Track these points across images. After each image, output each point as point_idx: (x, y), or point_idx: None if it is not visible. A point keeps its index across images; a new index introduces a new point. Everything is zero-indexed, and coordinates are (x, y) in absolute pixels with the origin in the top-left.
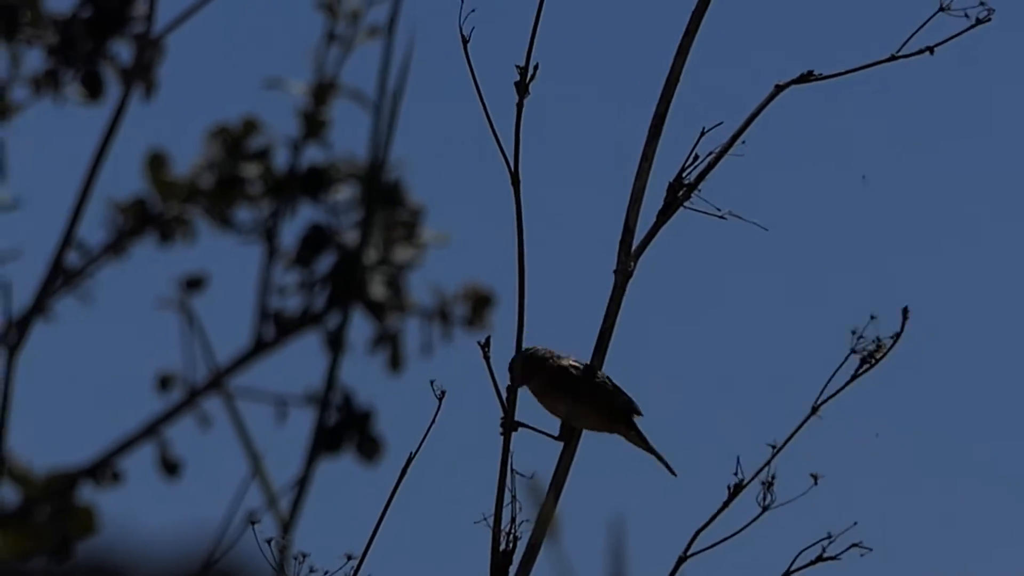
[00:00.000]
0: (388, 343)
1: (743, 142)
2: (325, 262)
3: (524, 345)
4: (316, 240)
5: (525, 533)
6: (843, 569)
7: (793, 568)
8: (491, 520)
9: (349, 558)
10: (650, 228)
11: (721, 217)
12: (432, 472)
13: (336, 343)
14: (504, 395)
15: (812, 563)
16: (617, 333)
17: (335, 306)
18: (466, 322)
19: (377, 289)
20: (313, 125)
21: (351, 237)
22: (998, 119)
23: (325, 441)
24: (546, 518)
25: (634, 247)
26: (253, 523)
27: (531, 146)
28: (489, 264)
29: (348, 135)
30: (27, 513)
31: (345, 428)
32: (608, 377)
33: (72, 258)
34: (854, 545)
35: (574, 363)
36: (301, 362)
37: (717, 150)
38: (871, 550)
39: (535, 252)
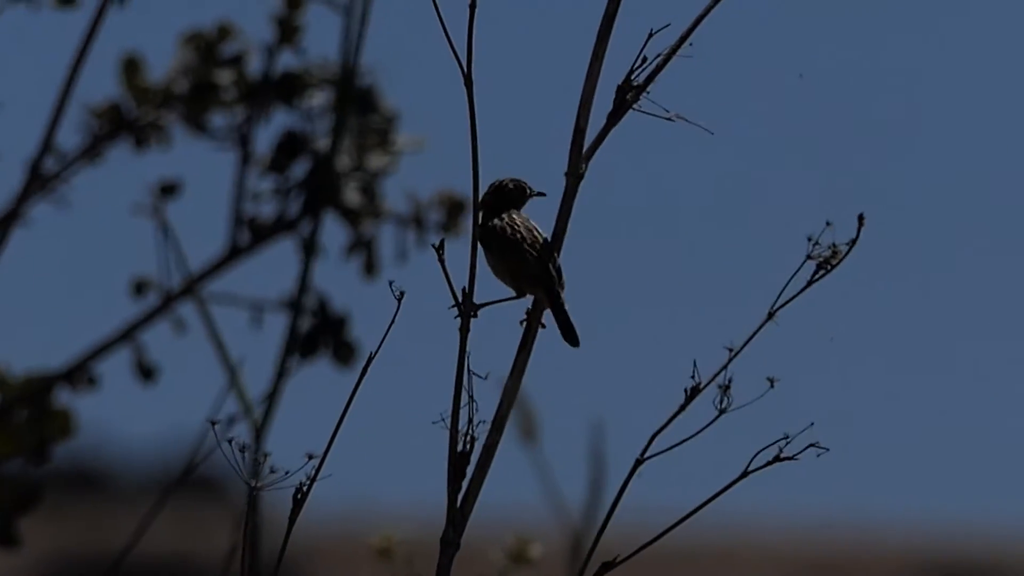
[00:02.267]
0: (363, 249)
1: (691, 44)
2: (299, 168)
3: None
4: (290, 146)
5: (482, 434)
6: (801, 469)
7: (751, 468)
8: (449, 421)
9: (310, 457)
10: (600, 130)
11: (669, 119)
12: (399, 374)
13: (310, 249)
14: (460, 293)
15: (769, 463)
16: (570, 234)
17: (309, 212)
18: (441, 228)
19: (351, 195)
20: (287, 30)
21: (325, 143)
22: (946, 16)
23: (300, 346)
24: (502, 420)
25: (585, 149)
26: (214, 424)
27: (485, 48)
28: (464, 170)
29: (322, 40)
30: (4, 416)
31: (320, 333)
32: (535, 237)
33: (47, 163)
34: (811, 445)
35: (517, 226)
36: (276, 268)
37: (665, 52)
38: (828, 450)
39: (491, 154)
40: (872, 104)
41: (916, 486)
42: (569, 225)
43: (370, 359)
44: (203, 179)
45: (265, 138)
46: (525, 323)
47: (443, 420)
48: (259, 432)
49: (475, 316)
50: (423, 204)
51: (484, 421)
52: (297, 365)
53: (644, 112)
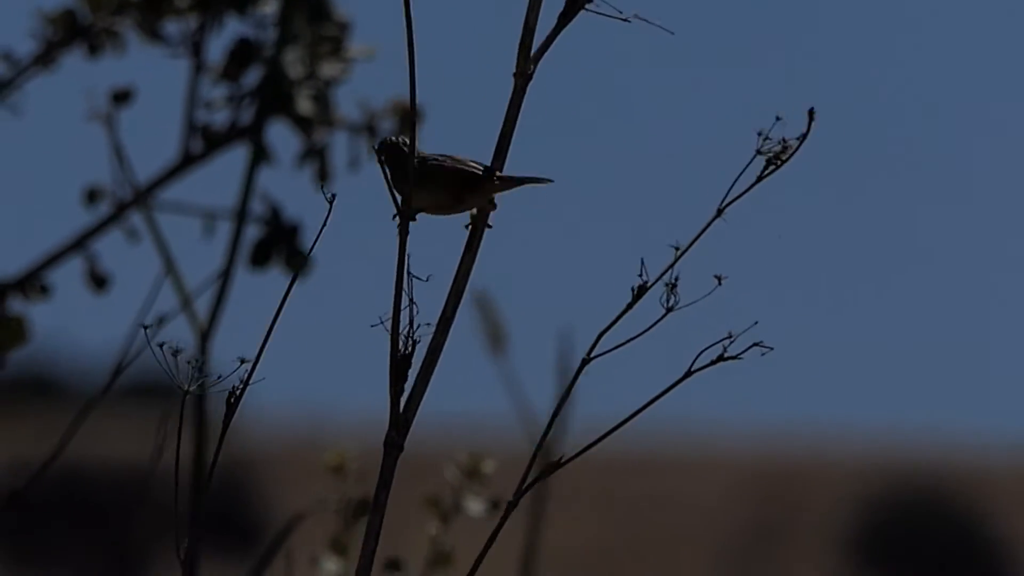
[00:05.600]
0: (316, 157)
1: None
2: (252, 76)
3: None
4: (243, 54)
5: (426, 336)
6: (745, 368)
7: (694, 368)
8: (388, 324)
9: (243, 362)
10: (551, 31)
11: (625, 20)
12: (352, 282)
13: (260, 156)
14: (393, 189)
15: (713, 363)
16: (517, 136)
17: (262, 120)
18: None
19: (304, 103)
20: None
21: (277, 51)
22: None
23: (253, 255)
24: (447, 321)
25: (534, 50)
26: (146, 328)
27: None
28: (421, 79)
29: None
30: None
31: (273, 242)
32: (448, 157)
33: (0, 69)
34: (755, 344)
35: (426, 156)
36: (229, 176)
37: None
38: (772, 349)
39: (435, 56)
40: (829, 2)
41: (867, 393)
42: (516, 126)
43: (303, 260)
44: (156, 86)
45: (218, 46)
46: (470, 226)
47: (382, 323)
48: (204, 337)
49: (414, 220)
50: (376, 112)
51: (429, 323)
52: (249, 273)
53: (598, 13)
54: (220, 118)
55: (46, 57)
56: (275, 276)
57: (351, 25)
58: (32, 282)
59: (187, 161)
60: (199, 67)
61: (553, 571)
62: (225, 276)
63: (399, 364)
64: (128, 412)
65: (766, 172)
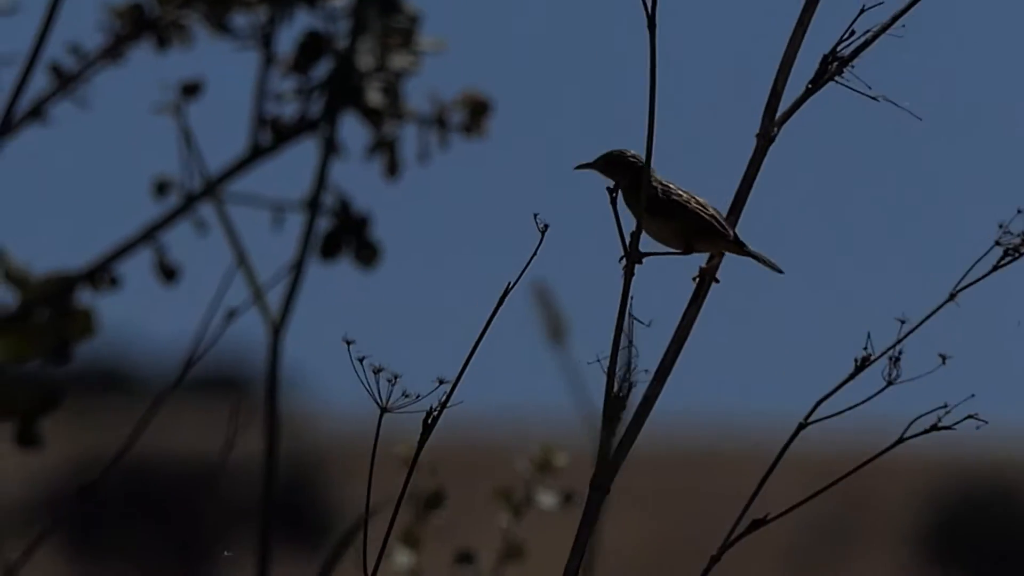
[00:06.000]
0: (385, 149)
1: (903, 25)
2: (322, 68)
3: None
4: (313, 46)
5: (642, 382)
6: (958, 439)
7: (906, 436)
8: (606, 363)
9: (441, 382)
10: (798, 97)
11: (873, 99)
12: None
13: (330, 148)
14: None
15: (926, 431)
16: (753, 197)
17: (332, 112)
18: (463, 129)
19: (374, 96)
20: None
21: (347, 43)
22: None
23: (322, 247)
24: (665, 371)
25: (779, 114)
26: (231, 315)
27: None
28: (487, 73)
29: None
30: (25, 316)
31: (342, 233)
32: (692, 197)
33: (69, 62)
34: (970, 416)
35: (680, 190)
36: (298, 169)
37: (875, 28)
38: (986, 423)
39: (669, 103)
40: None
41: (935, 388)
42: (753, 187)
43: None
44: (225, 79)
45: (288, 38)
46: (698, 278)
47: (599, 362)
48: (276, 330)
49: (640, 263)
50: (446, 105)
51: (647, 370)
52: (318, 265)
53: (846, 86)
54: (289, 111)
55: (114, 51)
56: (345, 269)
57: (421, 17)
58: (101, 274)
59: (256, 153)
60: (268, 60)
61: (616, 569)
62: (298, 268)
63: (612, 405)
64: (198, 405)
65: (1002, 262)
